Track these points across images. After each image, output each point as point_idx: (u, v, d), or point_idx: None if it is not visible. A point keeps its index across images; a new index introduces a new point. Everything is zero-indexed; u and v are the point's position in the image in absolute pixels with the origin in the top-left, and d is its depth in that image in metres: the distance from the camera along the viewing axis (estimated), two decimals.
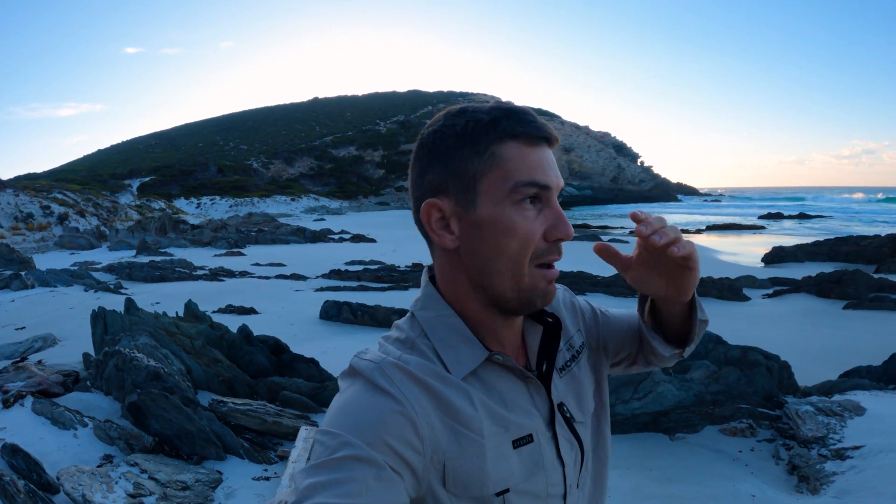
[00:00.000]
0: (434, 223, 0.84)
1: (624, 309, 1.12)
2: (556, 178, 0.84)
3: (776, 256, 17.31)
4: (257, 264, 17.59)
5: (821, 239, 18.94)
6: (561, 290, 1.05)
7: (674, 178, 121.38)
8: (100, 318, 6.26)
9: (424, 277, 0.92)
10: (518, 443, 0.83)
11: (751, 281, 12.34)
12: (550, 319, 0.93)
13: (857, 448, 3.87)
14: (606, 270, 13.36)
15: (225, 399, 4.97)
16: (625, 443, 4.51)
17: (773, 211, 48.31)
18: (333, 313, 9.38)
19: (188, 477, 3.40)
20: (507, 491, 0.81)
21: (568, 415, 0.91)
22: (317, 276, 14.58)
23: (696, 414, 4.71)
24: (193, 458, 3.95)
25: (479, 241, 0.82)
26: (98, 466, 3.27)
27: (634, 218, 0.82)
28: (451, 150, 0.82)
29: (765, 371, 5.00)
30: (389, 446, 0.72)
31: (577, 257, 17.40)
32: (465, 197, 0.82)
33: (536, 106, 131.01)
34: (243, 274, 15.44)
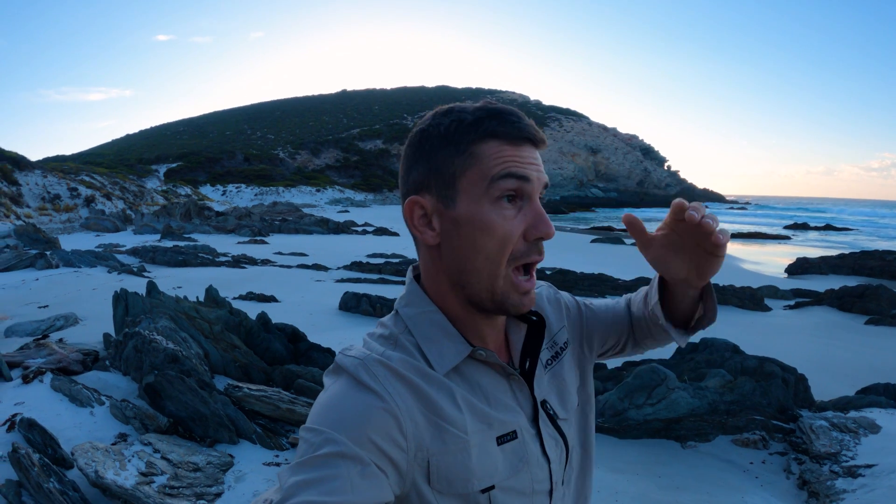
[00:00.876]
0: (416, 220, 0.86)
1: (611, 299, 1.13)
2: (537, 173, 0.83)
3: (800, 268, 17.09)
4: (279, 253, 17.72)
5: (846, 252, 18.62)
6: (545, 287, 1.07)
7: (700, 184, 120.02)
8: (121, 300, 6.36)
9: (409, 275, 0.93)
10: (502, 439, 0.84)
11: (773, 291, 12.20)
12: (535, 318, 0.94)
13: (869, 466, 3.81)
14: (627, 274, 13.30)
15: (240, 384, 5.03)
16: (635, 448, 4.49)
17: (800, 222, 47.51)
18: (353, 305, 9.43)
19: (200, 459, 3.45)
20: (492, 488, 0.81)
21: (551, 412, 0.92)
22: (338, 268, 14.67)
23: (708, 423, 4.67)
24: (206, 441, 4.01)
25: (458, 239, 0.83)
26: (112, 444, 3.34)
27: (681, 205, 0.83)
28: (434, 149, 0.83)
29: (780, 383, 4.95)
30: (374, 443, 0.73)
31: (598, 260, 17.36)
32: (446, 194, 0.83)
33: (565, 106, 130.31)
34: (265, 262, 15.56)
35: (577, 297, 1.11)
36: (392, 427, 0.75)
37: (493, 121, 0.82)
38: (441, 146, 0.83)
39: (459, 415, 0.81)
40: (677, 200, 0.85)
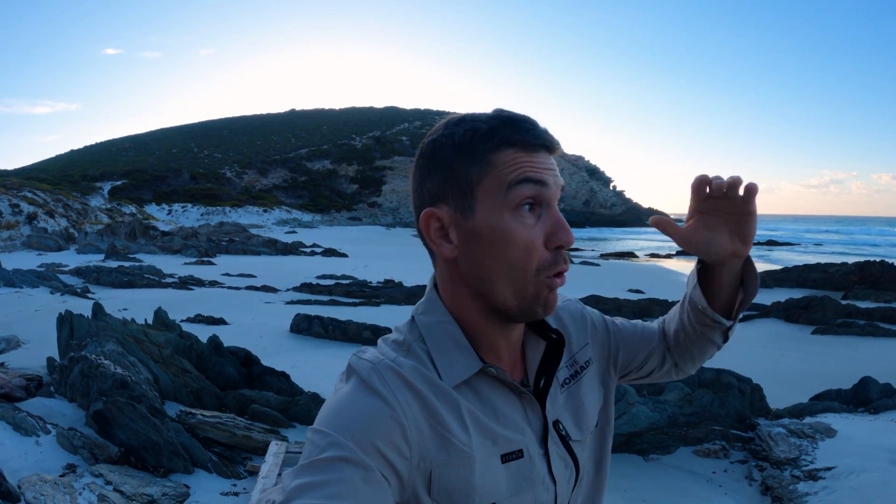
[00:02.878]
0: (433, 232, 0.83)
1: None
2: (553, 178, 0.82)
3: None
4: (227, 274, 17.40)
5: (789, 266, 19.28)
6: (571, 302, 1.04)
7: (645, 203, 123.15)
8: (66, 322, 6.10)
9: (430, 283, 0.91)
10: (507, 457, 0.82)
11: None
12: (554, 336, 0.92)
13: (829, 469, 3.92)
14: (577, 292, 13.45)
15: (193, 411, 4.86)
16: None
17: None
18: (304, 327, 9.28)
19: (154, 490, 3.29)
20: None
21: (563, 432, 0.90)
22: (287, 289, 14.45)
23: (669, 435, 4.72)
24: (160, 471, 3.83)
25: (478, 250, 0.81)
26: (61, 476, 3.16)
27: (704, 179, 0.87)
28: (449, 160, 0.81)
29: (737, 393, 5.05)
30: (378, 450, 0.72)
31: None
32: (463, 205, 0.81)
33: None
34: (213, 283, 15.26)
35: (606, 316, 1.08)
36: (397, 434, 0.74)
37: (508, 129, 0.80)
38: (456, 156, 0.81)
39: (464, 429, 0.79)
40: (698, 177, 0.88)
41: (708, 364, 5.76)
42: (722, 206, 0.88)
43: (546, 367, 0.90)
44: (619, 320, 1.09)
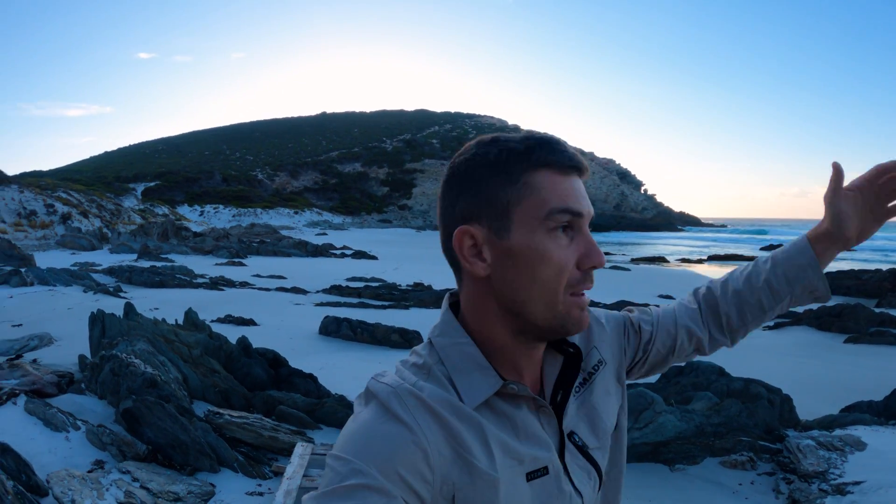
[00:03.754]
0: (466, 250, 0.83)
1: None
2: (587, 206, 0.84)
3: None
4: (258, 275, 17.56)
5: None
6: (592, 313, 1.03)
7: (676, 207, 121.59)
8: (98, 321, 6.22)
9: (445, 304, 0.91)
10: (532, 475, 0.82)
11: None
12: (571, 350, 0.92)
13: (857, 483, 3.82)
14: (608, 297, 13.33)
15: (221, 411, 4.92)
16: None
17: (776, 243, 48.18)
18: (333, 329, 9.32)
19: (180, 488, 3.34)
20: None
21: (580, 443, 0.90)
22: (317, 291, 14.55)
23: (696, 445, 4.65)
24: (187, 469, 3.89)
25: (513, 269, 0.81)
26: (89, 472, 3.22)
27: (889, 166, 0.96)
28: (484, 178, 0.82)
29: (766, 404, 4.96)
30: (401, 477, 0.72)
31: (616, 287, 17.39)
32: (499, 224, 0.81)
33: (543, 130, 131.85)
34: (243, 284, 15.41)
35: (623, 312, 1.09)
36: (420, 460, 0.74)
37: (544, 150, 0.82)
38: (491, 175, 0.82)
39: (488, 451, 0.79)
40: (882, 163, 0.96)
41: (736, 373, 5.68)
42: (878, 199, 0.98)
43: (563, 380, 0.90)
44: (643, 310, 1.10)
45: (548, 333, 0.84)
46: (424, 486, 0.74)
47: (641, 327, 1.06)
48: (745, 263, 1.10)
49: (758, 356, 8.45)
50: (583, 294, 0.84)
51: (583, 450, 0.89)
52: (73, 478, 2.98)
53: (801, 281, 1.04)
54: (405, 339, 8.66)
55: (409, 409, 0.77)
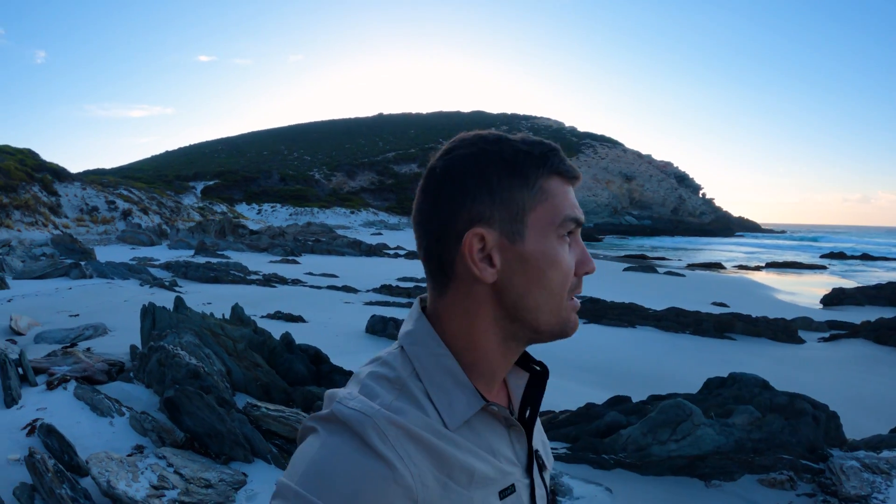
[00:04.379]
0: (475, 254, 0.79)
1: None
2: (583, 215, 0.87)
3: (835, 298, 16.55)
4: (310, 273, 17.87)
5: (883, 282, 18.07)
6: None
7: (735, 212, 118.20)
8: (149, 313, 6.45)
9: (416, 308, 0.86)
10: (503, 493, 0.81)
11: (807, 323, 11.87)
12: (538, 367, 0.91)
13: None
14: (658, 304, 13.09)
15: (259, 404, 5.04)
16: (657, 485, 4.36)
17: (836, 250, 46.18)
18: (379, 328, 9.41)
19: (213, 475, 3.45)
20: None
21: (541, 462, 0.91)
22: (367, 290, 14.71)
23: (734, 461, 4.52)
24: (221, 458, 4.01)
25: (522, 275, 0.80)
26: (128, 455, 3.36)
27: None
28: (495, 179, 0.79)
29: (811, 421, 4.78)
30: None
31: (630, 289, 17.15)
32: (513, 228, 0.79)
33: (600, 132, 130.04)
34: (295, 282, 15.70)
35: None
36: (401, 500, 0.68)
37: (556, 157, 0.83)
38: (507, 177, 0.79)
39: (467, 472, 0.76)
40: None
41: (783, 385, 5.50)
42: None
43: (531, 397, 0.89)
44: None
45: (547, 337, 0.84)
46: None
47: None
48: None
49: (807, 369, 8.15)
50: (575, 299, 0.86)
51: (542, 469, 0.91)
52: (112, 460, 3.12)
53: None
54: None
55: (390, 441, 0.70)
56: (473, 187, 0.79)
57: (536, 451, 0.90)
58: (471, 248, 0.78)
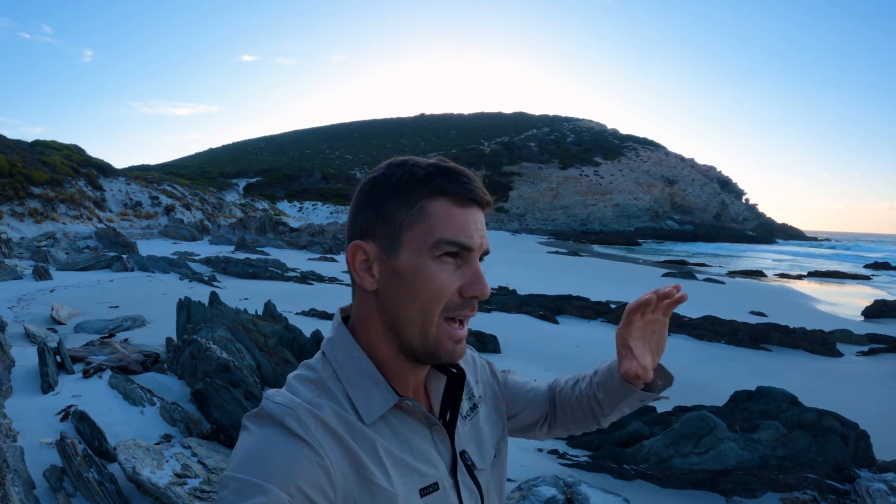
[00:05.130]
0: (358, 264, 0.87)
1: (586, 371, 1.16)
2: (479, 240, 0.86)
3: (878, 310, 15.91)
4: (347, 272, 17.90)
5: None
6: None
7: (779, 219, 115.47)
8: (184, 307, 6.64)
9: (337, 317, 0.94)
10: (425, 491, 0.85)
11: (846, 335, 11.45)
12: (455, 370, 0.96)
13: None
14: (695, 312, 12.88)
15: None
16: (677, 499, 4.32)
17: (881, 261, 44.42)
18: None
19: None
20: None
21: (469, 462, 0.94)
22: None
23: (758, 478, 4.45)
24: None
25: (395, 287, 0.84)
26: (155, 444, 3.48)
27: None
28: (383, 198, 0.85)
29: (839, 440, 4.67)
30: (304, 494, 0.72)
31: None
32: (389, 244, 0.84)
33: (642, 135, 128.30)
34: (332, 280, 15.85)
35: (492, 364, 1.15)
36: (322, 479, 0.74)
37: (444, 179, 0.85)
38: (390, 196, 0.85)
39: (384, 469, 0.81)
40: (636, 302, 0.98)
41: (814, 400, 5.38)
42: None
43: (449, 400, 0.94)
44: (510, 374, 1.17)
45: (421, 356, 0.86)
46: (326, 502, 0.74)
47: (514, 393, 1.13)
48: (585, 373, 1.15)
49: (842, 383, 7.91)
50: (462, 324, 0.87)
51: (471, 469, 0.93)
52: (139, 447, 3.24)
53: (622, 399, 1.06)
54: (480, 342, 8.63)
55: (309, 428, 0.77)
56: (364, 204, 0.87)
57: (463, 451, 0.93)
58: (353, 257, 0.86)
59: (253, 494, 0.69)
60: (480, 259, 0.88)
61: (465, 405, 0.98)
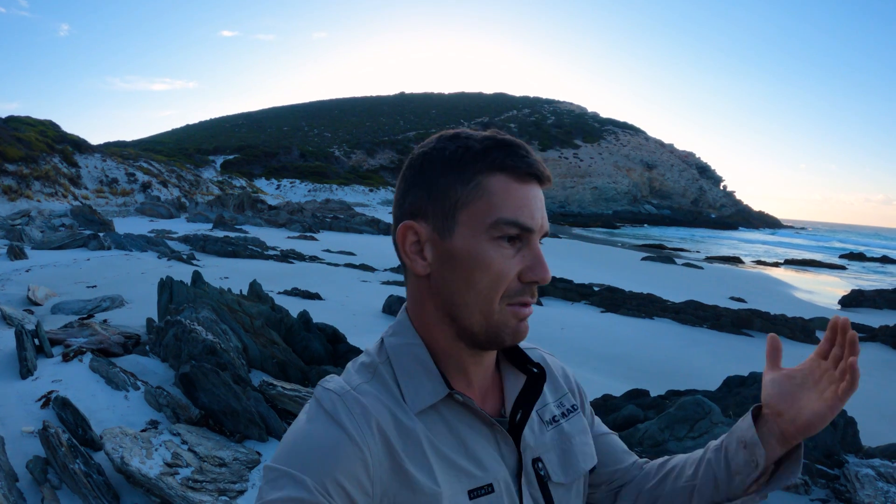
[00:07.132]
0: (409, 246, 0.81)
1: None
2: (541, 220, 0.79)
3: (854, 300, 16.33)
4: (328, 251, 17.88)
5: None
6: (558, 362, 1.01)
7: (756, 206, 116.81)
8: (166, 287, 6.47)
9: (404, 304, 0.89)
10: (475, 493, 0.78)
11: (823, 323, 11.62)
12: (536, 370, 0.88)
13: None
14: (676, 295, 12.98)
15: (275, 382, 5.04)
16: None
17: (856, 251, 45.51)
18: (396, 308, 9.38)
19: (227, 454, 3.45)
20: None
21: (542, 472, 0.85)
22: (385, 269, 14.71)
23: None
24: (236, 436, 4.01)
25: (451, 272, 0.78)
26: (142, 431, 3.36)
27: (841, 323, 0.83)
28: (436, 175, 0.79)
29: (829, 426, 4.70)
30: (340, 485, 0.70)
31: (648, 279, 17.02)
32: (443, 224, 0.78)
33: (623, 119, 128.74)
34: (313, 258, 15.71)
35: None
36: (360, 469, 0.72)
37: (502, 152, 0.78)
38: (444, 172, 0.79)
39: (427, 465, 0.76)
40: (839, 319, 0.83)
41: None
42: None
43: (524, 400, 0.86)
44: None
45: (483, 342, 0.80)
46: (363, 496, 0.71)
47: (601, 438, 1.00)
48: (683, 458, 0.96)
49: None
50: (525, 305, 0.80)
51: (542, 481, 0.85)
52: (126, 435, 3.11)
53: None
54: None
55: (354, 416, 0.75)
56: (414, 182, 0.80)
57: (538, 459, 0.85)
58: (403, 239, 0.81)
59: (284, 486, 0.68)
60: (539, 241, 0.80)
61: (552, 410, 0.91)
